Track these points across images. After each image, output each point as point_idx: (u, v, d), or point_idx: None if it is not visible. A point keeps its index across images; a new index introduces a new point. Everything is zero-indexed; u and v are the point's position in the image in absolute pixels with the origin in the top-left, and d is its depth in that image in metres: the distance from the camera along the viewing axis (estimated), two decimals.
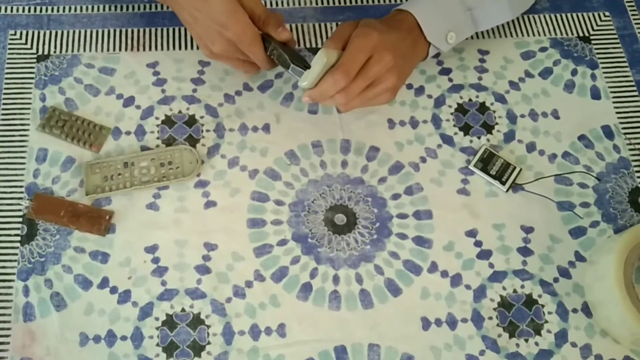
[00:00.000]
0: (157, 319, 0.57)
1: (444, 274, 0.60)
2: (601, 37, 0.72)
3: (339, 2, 0.72)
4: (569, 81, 0.69)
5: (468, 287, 0.59)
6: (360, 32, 0.56)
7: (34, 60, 0.67)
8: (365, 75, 0.56)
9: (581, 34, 0.72)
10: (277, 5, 0.71)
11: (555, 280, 0.60)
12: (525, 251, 0.61)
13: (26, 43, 0.68)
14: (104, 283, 0.58)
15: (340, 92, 0.56)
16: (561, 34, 0.72)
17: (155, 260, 0.59)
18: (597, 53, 0.71)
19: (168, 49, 0.68)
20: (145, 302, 0.57)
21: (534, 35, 0.71)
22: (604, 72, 0.70)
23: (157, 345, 0.56)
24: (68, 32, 0.68)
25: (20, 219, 0.60)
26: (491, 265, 0.60)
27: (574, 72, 0.70)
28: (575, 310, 0.59)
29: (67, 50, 0.68)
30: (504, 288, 0.59)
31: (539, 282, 0.60)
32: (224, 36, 0.57)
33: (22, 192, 0.61)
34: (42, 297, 0.57)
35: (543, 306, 0.59)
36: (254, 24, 0.57)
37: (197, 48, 0.68)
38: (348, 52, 0.55)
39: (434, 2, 0.62)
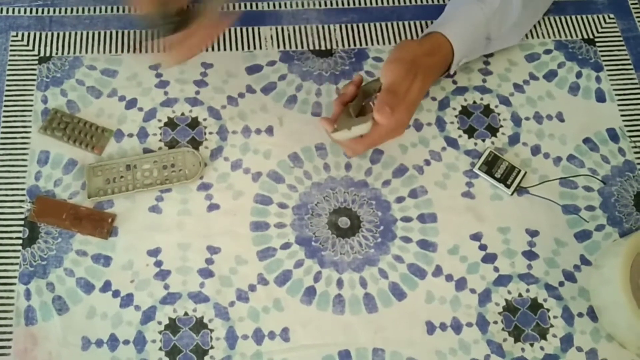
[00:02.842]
0: (159, 322, 0.56)
1: (449, 277, 0.59)
2: (606, 40, 0.71)
3: (342, 4, 0.72)
4: (573, 84, 0.69)
5: (473, 291, 0.59)
6: (404, 111, 0.57)
7: (36, 62, 0.66)
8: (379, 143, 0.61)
9: (585, 36, 0.71)
10: (279, 7, 0.71)
11: (561, 284, 0.60)
12: (530, 255, 0.61)
13: (28, 45, 0.67)
14: (106, 286, 0.58)
15: (350, 151, 0.61)
16: (565, 36, 0.71)
17: (158, 263, 0.59)
18: (602, 55, 0.70)
19: None
20: (148, 306, 0.57)
21: (538, 37, 0.71)
22: (609, 75, 0.69)
23: (160, 349, 0.56)
24: (70, 34, 0.68)
25: (22, 222, 0.59)
26: (496, 269, 0.60)
27: (579, 75, 0.69)
28: (580, 315, 0.59)
29: (69, 52, 0.67)
30: (509, 292, 0.59)
31: (544, 286, 0.59)
32: None
33: (23, 195, 0.60)
34: (43, 301, 0.57)
35: (548, 310, 0.59)
36: None
37: (201, 50, 0.68)
38: (377, 137, 0.58)
39: (469, 31, 0.63)
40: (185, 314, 0.57)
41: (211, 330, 0.56)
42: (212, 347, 0.56)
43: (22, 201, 0.60)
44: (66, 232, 0.59)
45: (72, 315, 0.56)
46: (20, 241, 0.59)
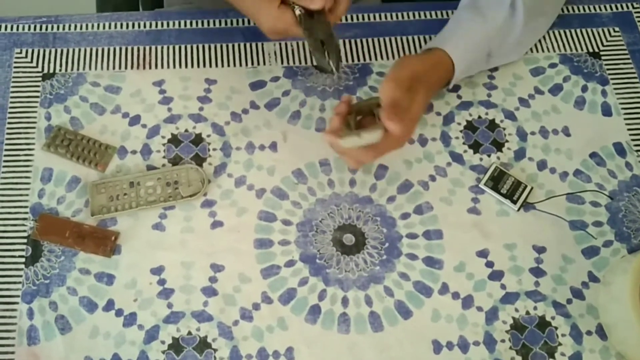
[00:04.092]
0: (163, 342, 0.56)
1: (455, 295, 0.59)
2: (611, 53, 0.71)
3: (346, 19, 0.71)
4: (579, 97, 0.68)
5: (480, 309, 0.58)
6: (407, 126, 0.56)
7: (40, 79, 0.66)
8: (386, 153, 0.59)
9: (591, 50, 0.71)
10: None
11: (569, 301, 0.59)
12: (537, 272, 0.60)
13: (32, 61, 0.67)
14: (109, 305, 0.57)
15: (355, 162, 0.59)
16: (571, 49, 0.71)
17: (162, 282, 0.58)
18: (608, 69, 0.70)
19: (174, 67, 0.68)
20: (151, 325, 0.56)
21: (543, 51, 0.71)
22: (615, 89, 0.69)
23: None
24: (74, 50, 0.68)
25: (24, 240, 0.59)
26: (503, 287, 0.59)
27: (584, 89, 0.69)
28: (589, 333, 0.58)
29: (72, 69, 0.67)
30: (517, 310, 0.58)
31: (552, 304, 0.59)
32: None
33: (26, 213, 0.60)
34: (46, 320, 0.56)
35: (556, 328, 0.58)
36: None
37: (204, 66, 0.68)
38: (388, 146, 0.57)
39: (471, 48, 0.63)
40: (189, 333, 0.56)
41: (215, 350, 0.56)
42: None
43: (25, 219, 0.60)
44: (69, 250, 0.59)
45: (74, 335, 0.56)
46: (23, 259, 0.58)
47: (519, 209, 0.62)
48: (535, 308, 0.58)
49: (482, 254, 0.60)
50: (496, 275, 0.60)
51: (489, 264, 0.60)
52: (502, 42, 0.65)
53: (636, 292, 0.55)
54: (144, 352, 0.55)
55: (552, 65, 0.70)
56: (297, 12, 0.58)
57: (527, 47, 0.69)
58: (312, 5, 0.57)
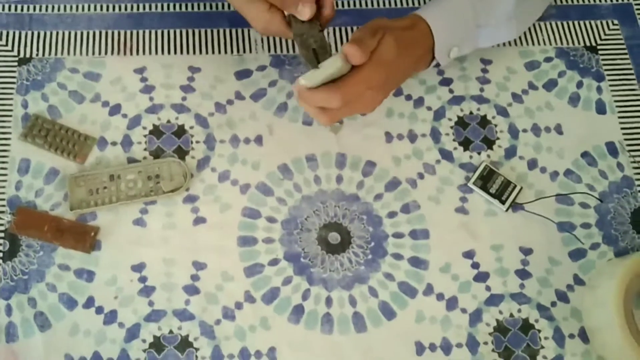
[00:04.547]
0: (144, 341, 0.55)
1: (440, 296, 0.58)
2: (609, 47, 0.69)
3: (336, 5, 0.68)
4: (573, 94, 0.67)
5: (464, 310, 0.58)
6: (375, 63, 0.53)
7: (15, 64, 0.64)
8: (354, 108, 0.55)
9: (588, 44, 0.69)
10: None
11: (553, 304, 0.59)
12: (523, 274, 0.59)
13: (7, 45, 0.64)
14: (89, 302, 0.56)
15: (324, 112, 0.53)
16: (567, 43, 0.69)
17: (142, 279, 0.57)
18: (604, 64, 0.68)
19: (157, 53, 0.65)
20: (132, 323, 0.56)
21: (539, 44, 0.68)
22: (610, 85, 0.67)
23: None
24: (51, 34, 0.65)
25: (2, 234, 0.58)
26: (488, 288, 0.59)
27: (580, 85, 0.67)
28: (572, 336, 0.58)
29: (50, 54, 0.64)
30: (501, 312, 0.58)
31: (536, 306, 0.58)
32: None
33: (3, 206, 0.59)
34: (25, 317, 0.55)
35: (539, 331, 0.58)
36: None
37: (187, 52, 0.65)
38: (354, 81, 0.52)
39: (449, 13, 0.59)
40: (170, 332, 0.56)
41: (196, 349, 0.55)
42: None
43: (2, 212, 0.58)
44: (48, 245, 0.58)
45: (54, 332, 0.55)
46: (0, 255, 0.57)
47: (507, 209, 0.61)
48: (519, 310, 0.58)
49: (469, 254, 0.60)
50: (481, 277, 0.59)
51: (475, 265, 0.59)
52: (491, 10, 0.60)
53: (621, 298, 0.55)
54: (125, 351, 0.55)
55: (548, 59, 0.68)
56: (286, 14, 0.55)
57: (524, 24, 0.66)
58: (300, 17, 0.54)
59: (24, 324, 0.55)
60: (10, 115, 0.62)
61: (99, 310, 0.56)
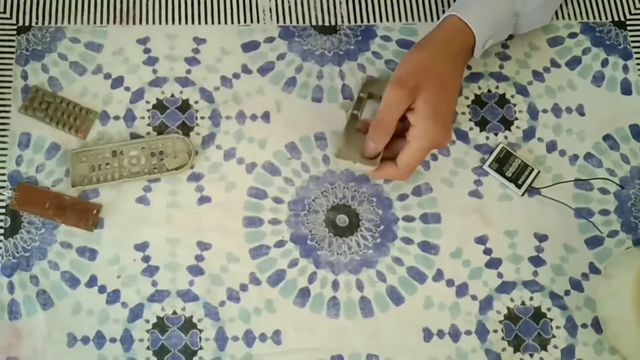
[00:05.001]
0: (147, 321, 0.55)
1: (450, 282, 0.57)
2: (638, 23, 0.65)
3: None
4: (597, 73, 0.63)
5: (474, 297, 0.56)
6: (417, 130, 0.53)
7: (14, 32, 0.61)
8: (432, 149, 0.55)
9: (616, 18, 0.65)
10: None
11: (567, 292, 0.57)
12: (537, 261, 0.58)
13: (5, 12, 0.62)
14: (92, 281, 0.55)
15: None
16: (594, 17, 0.65)
17: (146, 258, 0.56)
18: (633, 41, 0.64)
19: (160, 22, 0.62)
20: (135, 303, 0.55)
21: (563, 18, 0.64)
22: (638, 64, 0.63)
23: (148, 348, 0.54)
24: (51, 1, 0.62)
25: (3, 210, 0.56)
26: (500, 275, 0.57)
27: (605, 63, 0.63)
28: (584, 326, 0.56)
29: (50, 22, 0.62)
30: (512, 300, 0.57)
31: (549, 295, 0.57)
32: None
33: (4, 181, 0.57)
34: (27, 295, 0.55)
35: (551, 320, 0.56)
36: None
37: (192, 22, 0.62)
38: (411, 154, 0.54)
39: (489, 9, 0.56)
40: (174, 312, 0.55)
41: (200, 331, 0.55)
42: (201, 348, 0.54)
43: (2, 187, 0.57)
44: (49, 222, 0.56)
45: (57, 311, 0.54)
46: (1, 230, 0.56)
47: (523, 194, 0.59)
48: (531, 299, 0.57)
49: (481, 240, 0.58)
50: (494, 263, 0.57)
51: (487, 251, 0.58)
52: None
53: (637, 288, 0.53)
54: (128, 331, 0.54)
55: (572, 35, 0.64)
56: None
57: (553, 7, 0.63)
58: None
59: (26, 301, 0.54)
60: (10, 87, 0.60)
61: (102, 289, 0.55)
